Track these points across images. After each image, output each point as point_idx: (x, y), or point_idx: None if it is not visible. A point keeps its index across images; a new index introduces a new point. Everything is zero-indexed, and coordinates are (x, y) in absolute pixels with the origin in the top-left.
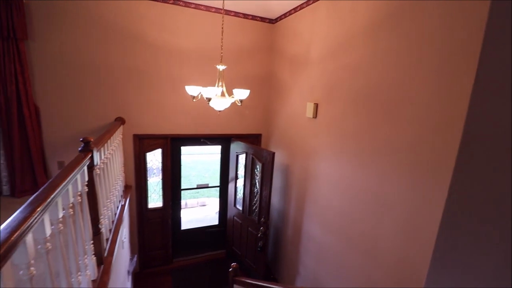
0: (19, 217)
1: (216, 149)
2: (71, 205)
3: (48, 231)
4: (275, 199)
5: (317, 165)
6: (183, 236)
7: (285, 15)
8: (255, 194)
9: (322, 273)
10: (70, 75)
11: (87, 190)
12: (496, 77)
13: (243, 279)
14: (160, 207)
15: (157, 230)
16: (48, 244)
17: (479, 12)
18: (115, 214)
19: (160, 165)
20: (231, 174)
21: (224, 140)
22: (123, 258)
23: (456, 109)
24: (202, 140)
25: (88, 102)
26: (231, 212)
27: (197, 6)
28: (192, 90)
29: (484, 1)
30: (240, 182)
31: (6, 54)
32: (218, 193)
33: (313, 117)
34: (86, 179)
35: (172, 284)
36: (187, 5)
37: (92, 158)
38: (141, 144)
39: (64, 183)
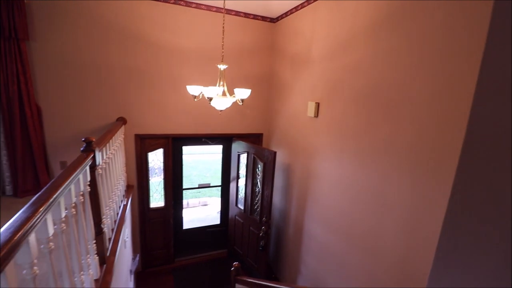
0: (22, 217)
1: (218, 149)
2: (73, 205)
3: (51, 230)
4: (277, 199)
5: (319, 164)
6: (185, 235)
7: (286, 14)
8: (257, 194)
9: (324, 272)
10: (72, 75)
11: (89, 190)
12: (499, 77)
13: (245, 278)
14: (162, 206)
15: (159, 229)
16: (51, 243)
17: (480, 12)
18: (117, 214)
19: (161, 164)
20: (233, 173)
21: (225, 140)
22: (125, 257)
23: (457, 109)
24: (203, 139)
25: (89, 102)
26: (232, 211)
27: (198, 6)
28: (193, 89)
29: (485, 1)
30: (242, 182)
31: (8, 54)
32: (219, 193)
33: (315, 116)
34: (89, 179)
35: (174, 284)
36: (188, 4)
37: (94, 158)
38: (143, 144)
39: (66, 183)
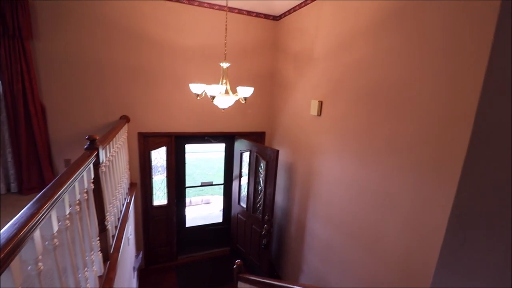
0: (27, 214)
1: (220, 147)
2: (77, 202)
3: (55, 227)
4: (279, 197)
5: (321, 163)
6: (188, 233)
7: (289, 12)
8: (259, 192)
9: (326, 270)
10: (75, 73)
11: (93, 187)
12: (506, 75)
13: (247, 276)
14: (164, 204)
15: (162, 227)
16: (55, 240)
17: (481, 11)
18: (121, 211)
19: (164, 163)
20: (235, 172)
21: (228, 138)
22: (128, 254)
23: (458, 108)
24: (206, 138)
25: (93, 101)
26: (235, 209)
27: (201, 4)
28: (196, 88)
29: (487, 1)
30: (244, 180)
31: (12, 53)
32: (222, 191)
33: (318, 115)
34: (92, 176)
35: (177, 281)
36: (191, 3)
37: (98, 155)
38: (146, 142)
39: (70, 180)
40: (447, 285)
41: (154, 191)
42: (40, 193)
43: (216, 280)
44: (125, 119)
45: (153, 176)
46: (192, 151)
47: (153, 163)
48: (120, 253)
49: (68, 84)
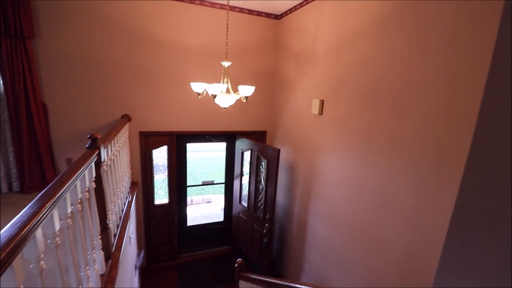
0: (28, 212)
1: (221, 146)
2: (79, 200)
3: (57, 226)
4: (280, 196)
5: (322, 161)
6: (189, 232)
7: (290, 11)
8: (260, 191)
9: (327, 269)
10: (77, 73)
11: (94, 186)
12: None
13: (248, 275)
14: (166, 203)
15: (163, 226)
16: (57, 238)
17: (483, 11)
18: (122, 210)
19: (166, 162)
20: (236, 171)
21: (229, 137)
22: (130, 253)
23: (459, 107)
24: (207, 137)
25: (94, 100)
26: (236, 208)
27: (202, 3)
28: (197, 87)
29: (488, 1)
30: (245, 179)
31: (14, 52)
32: (223, 190)
33: (319, 114)
34: (94, 175)
35: (178, 279)
36: (192, 1)
37: (99, 154)
38: (147, 141)
39: (72, 179)
40: (449, 285)
41: (156, 190)
42: (42, 192)
43: (217, 279)
44: (126, 118)
45: (154, 175)
46: (193, 150)
47: (155, 162)
48: (121, 252)
49: (70, 83)
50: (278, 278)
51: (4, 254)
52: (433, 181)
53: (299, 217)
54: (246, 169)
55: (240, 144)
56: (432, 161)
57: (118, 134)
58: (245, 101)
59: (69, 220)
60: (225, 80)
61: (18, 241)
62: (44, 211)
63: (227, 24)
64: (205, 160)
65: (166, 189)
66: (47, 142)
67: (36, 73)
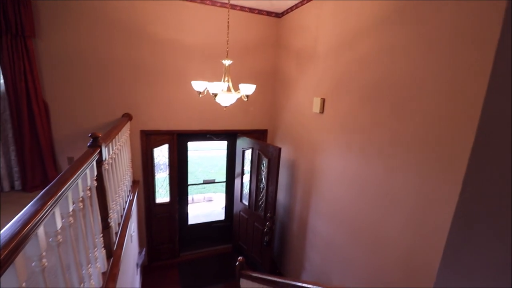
0: (30, 210)
1: (222, 145)
2: (81, 199)
3: (59, 224)
4: (281, 194)
5: (324, 160)
6: (190, 230)
7: (291, 9)
8: (261, 190)
9: (328, 267)
10: (78, 72)
11: (96, 184)
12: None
13: (249, 273)
14: (167, 202)
15: (164, 224)
16: (59, 237)
17: (486, 8)
18: (124, 208)
19: (167, 160)
20: (237, 169)
21: (230, 136)
22: (132, 251)
23: (462, 106)
24: (208, 136)
25: (95, 99)
26: (237, 207)
27: (203, 1)
28: (198, 85)
29: (492, 0)
30: (246, 178)
31: (15, 52)
32: (224, 189)
33: (320, 112)
34: (95, 174)
35: (179, 277)
36: (193, 0)
37: (100, 153)
38: (148, 140)
39: (74, 178)
40: (451, 284)
41: (157, 188)
42: (44, 190)
43: (219, 277)
44: (127, 117)
45: (155, 174)
46: (194, 149)
47: (156, 160)
48: (123, 250)
49: (71, 82)
50: (279, 276)
51: (6, 252)
52: (434, 179)
53: (300, 215)
54: (247, 167)
55: (241, 142)
56: (433, 160)
57: (119, 133)
58: (246, 99)
59: (70, 218)
60: (226, 78)
61: (20, 239)
62: (46, 209)
63: (228, 22)
64: (206, 158)
65: (167, 188)
66: (48, 141)
67: (37, 73)
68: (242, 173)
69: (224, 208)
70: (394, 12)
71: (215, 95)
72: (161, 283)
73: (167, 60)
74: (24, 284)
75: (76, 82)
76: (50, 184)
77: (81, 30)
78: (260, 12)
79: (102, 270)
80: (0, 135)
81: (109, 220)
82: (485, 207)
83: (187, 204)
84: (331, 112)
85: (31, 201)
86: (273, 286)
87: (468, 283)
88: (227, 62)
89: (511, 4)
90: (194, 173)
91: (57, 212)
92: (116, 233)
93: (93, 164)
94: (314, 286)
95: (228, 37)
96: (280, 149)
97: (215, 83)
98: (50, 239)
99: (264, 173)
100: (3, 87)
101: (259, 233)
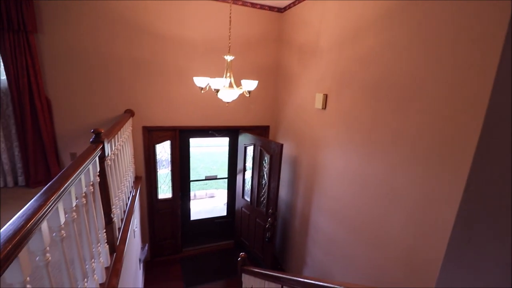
0: (34, 205)
1: (224, 141)
2: (84, 194)
3: (62, 219)
4: (283, 191)
5: (326, 156)
6: (192, 226)
7: (294, 3)
8: (263, 186)
9: (330, 263)
10: (80, 67)
11: (99, 180)
12: None
13: (251, 269)
14: (169, 198)
15: (167, 220)
16: (62, 232)
17: (490, 6)
18: (126, 204)
19: (169, 156)
20: (239, 166)
21: (232, 132)
22: (134, 246)
23: (466, 100)
24: (210, 132)
25: (97, 95)
26: (239, 203)
27: None
28: (200, 81)
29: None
30: (248, 174)
31: (17, 47)
32: (226, 185)
33: (322, 108)
34: (98, 169)
35: (182, 273)
36: None
37: (103, 149)
38: (150, 136)
39: (76, 173)
40: (454, 280)
41: (159, 184)
42: (47, 186)
43: (221, 272)
44: (129, 113)
45: (158, 170)
46: (196, 145)
47: (158, 157)
48: (126, 245)
49: (73, 78)
50: (281, 272)
51: (10, 246)
52: (437, 176)
53: (302, 211)
54: (249, 164)
55: (243, 139)
56: (436, 156)
57: (121, 129)
58: (248, 95)
59: (74, 213)
60: (228, 74)
61: (24, 233)
62: (49, 204)
63: (230, 17)
64: (208, 155)
65: (170, 184)
66: (51, 137)
67: (40, 68)
68: (244, 169)
69: (226, 204)
70: (397, 6)
71: (217, 91)
72: (163, 278)
73: (169, 56)
74: (28, 278)
75: (79, 77)
76: (53, 180)
77: (84, 26)
78: (262, 7)
79: (106, 265)
80: (3, 131)
81: (112, 216)
82: (490, 202)
83: (189, 200)
84: (333, 108)
85: (34, 196)
86: (275, 282)
87: (472, 279)
88: (229, 58)
89: None
90: (196, 169)
91: (61, 207)
92: (119, 229)
93: (95, 160)
94: (316, 282)
95: (230, 33)
96: (282, 145)
97: (217, 79)
98: (54, 234)
99: (266, 169)
100: (5, 83)
101: (261, 229)
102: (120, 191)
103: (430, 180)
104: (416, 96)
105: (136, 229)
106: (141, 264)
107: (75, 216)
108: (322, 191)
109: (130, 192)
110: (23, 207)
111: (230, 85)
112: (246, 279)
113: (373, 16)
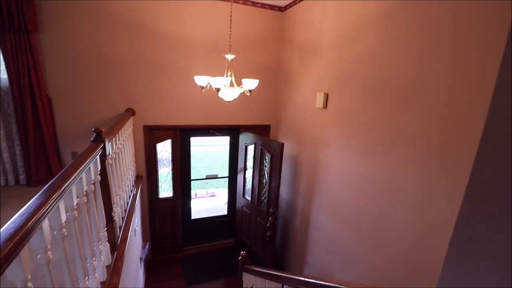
0: (35, 204)
1: (225, 140)
2: (85, 193)
3: (64, 217)
4: (284, 190)
5: (326, 155)
6: (193, 225)
7: (294, 2)
8: (264, 185)
9: (330, 262)
10: (80, 66)
11: (100, 179)
12: None
13: (252, 267)
14: (170, 197)
15: (167, 219)
16: (63, 230)
17: (491, 6)
18: (127, 203)
19: (170, 155)
20: (240, 165)
21: (232, 131)
22: (135, 245)
23: (467, 100)
24: (211, 131)
25: (98, 94)
26: (240, 202)
27: None
28: (201, 80)
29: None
30: (249, 173)
31: (18, 47)
32: (227, 184)
33: (323, 107)
34: (99, 168)
35: (182, 272)
36: None
37: (104, 147)
38: (151, 135)
39: (77, 172)
40: (455, 279)
41: (160, 183)
42: (48, 184)
43: (221, 271)
44: (130, 112)
45: (158, 169)
46: (197, 144)
47: (159, 156)
48: (127, 244)
49: (74, 77)
50: (281, 271)
51: (11, 244)
52: (437, 175)
53: (302, 210)
54: (250, 163)
55: (243, 138)
56: (436, 156)
57: (122, 128)
58: (249, 94)
59: (75, 212)
60: (229, 73)
61: (25, 232)
62: (51, 203)
63: (231, 16)
64: (209, 154)
65: (170, 183)
66: (52, 136)
67: (41, 67)
68: (245, 169)
69: (227, 203)
70: (397, 6)
71: (218, 90)
72: (164, 277)
73: (170, 55)
74: (29, 277)
75: (79, 76)
76: (55, 178)
77: (85, 26)
78: (263, 5)
79: (107, 263)
80: (5, 130)
81: (113, 214)
82: (492, 202)
83: (190, 199)
84: (334, 107)
85: (35, 195)
86: (275, 281)
87: (473, 278)
88: (230, 57)
89: None
90: (197, 168)
91: (62, 205)
92: (120, 227)
93: (96, 159)
94: (317, 281)
95: (230, 32)
96: (283, 144)
97: (218, 78)
98: (55, 232)
99: (266, 168)
100: (6, 82)
101: (262, 228)
102: (121, 190)
103: (430, 180)
104: (416, 96)
105: (137, 228)
106: (142, 263)
107: (76, 215)
108: (322, 190)
109: (131, 191)
110: (25, 206)
111: (231, 84)
112: (247, 278)
113: (373, 16)
